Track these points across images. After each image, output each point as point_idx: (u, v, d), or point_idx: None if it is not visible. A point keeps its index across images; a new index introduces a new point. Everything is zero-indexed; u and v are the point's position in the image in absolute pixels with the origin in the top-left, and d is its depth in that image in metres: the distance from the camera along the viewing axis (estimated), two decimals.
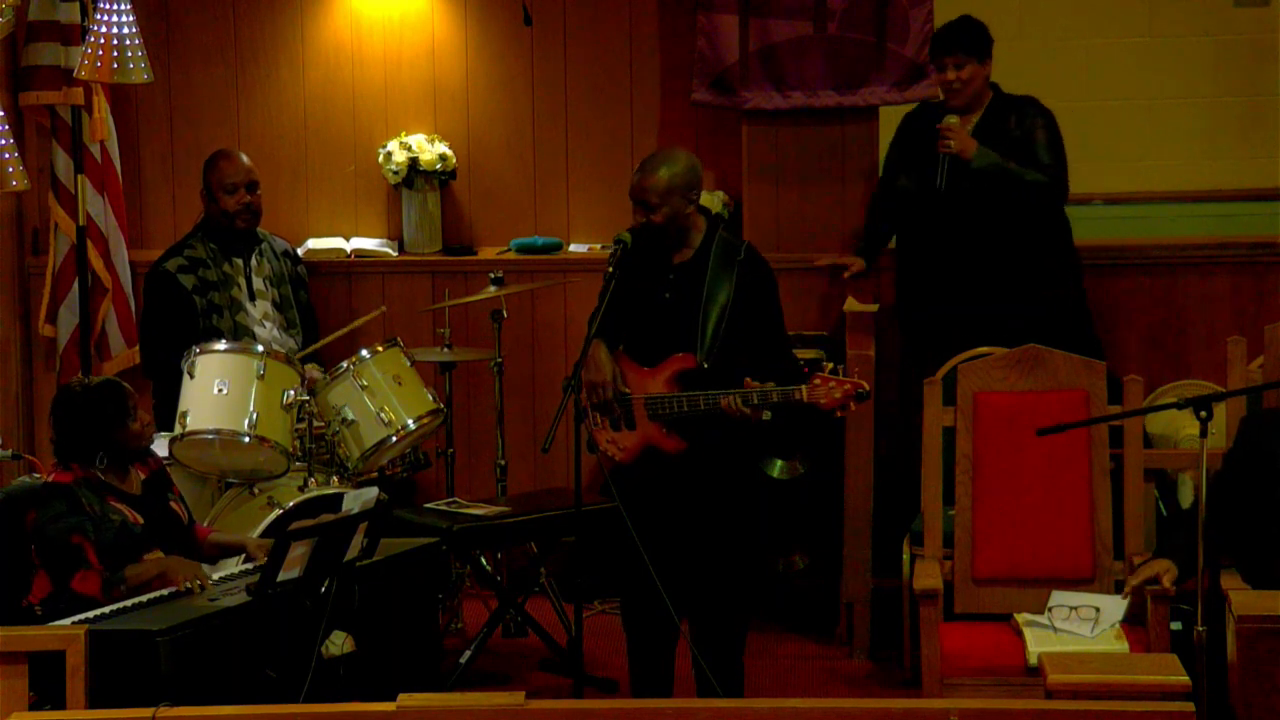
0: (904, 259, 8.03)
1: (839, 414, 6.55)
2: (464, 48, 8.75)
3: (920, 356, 7.84)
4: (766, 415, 6.58)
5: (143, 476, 6.44)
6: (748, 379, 6.53)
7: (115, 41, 7.43)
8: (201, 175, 8.05)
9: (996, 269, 7.77)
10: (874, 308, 8.16)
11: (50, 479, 6.30)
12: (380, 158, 8.67)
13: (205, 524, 6.93)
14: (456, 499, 7.81)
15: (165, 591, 6.09)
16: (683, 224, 6.70)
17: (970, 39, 7.80)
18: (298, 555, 5.96)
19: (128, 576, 6.14)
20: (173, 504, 6.50)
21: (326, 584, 6.08)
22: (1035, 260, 7.79)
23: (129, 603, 6.00)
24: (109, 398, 6.32)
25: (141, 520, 6.31)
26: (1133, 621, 6.58)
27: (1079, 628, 6.55)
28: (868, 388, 6.57)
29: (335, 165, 8.81)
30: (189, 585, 6.08)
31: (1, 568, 6.24)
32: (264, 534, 6.98)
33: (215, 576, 6.34)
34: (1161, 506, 7.45)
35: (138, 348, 8.44)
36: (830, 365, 6.76)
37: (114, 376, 6.51)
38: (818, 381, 6.53)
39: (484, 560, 8.04)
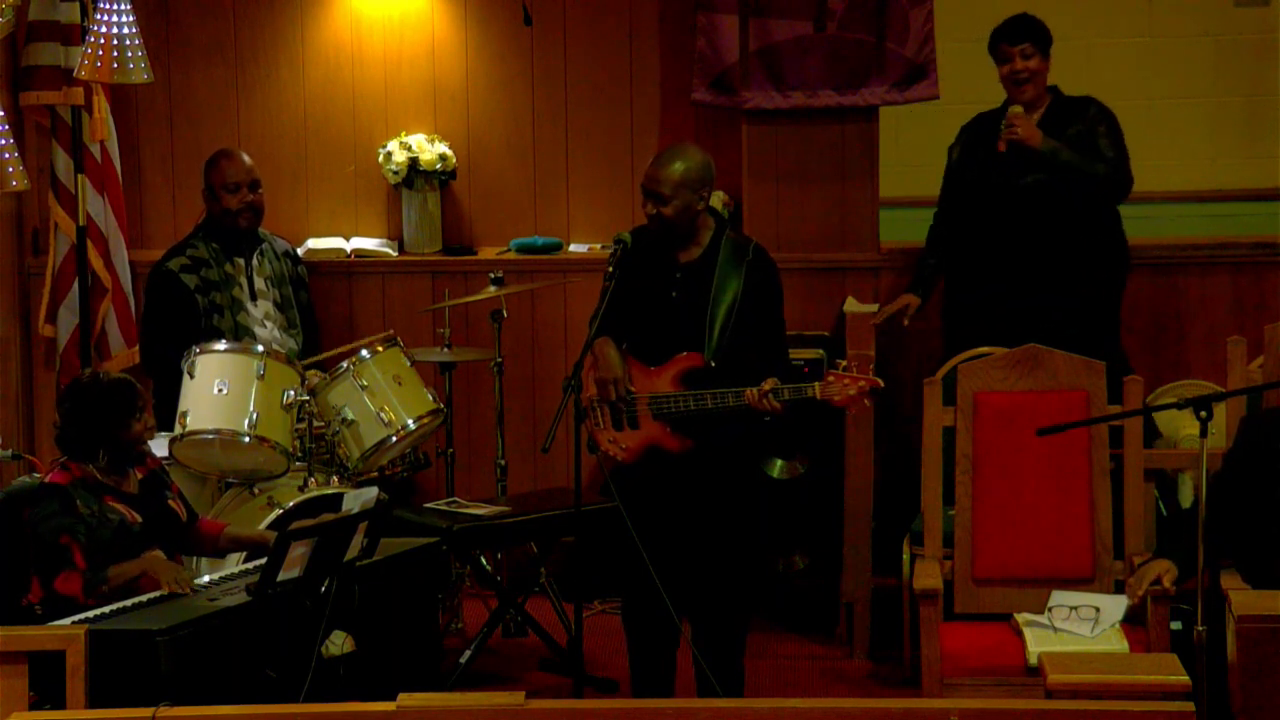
0: (957, 246, 8.00)
1: (851, 411, 6.53)
2: (464, 48, 8.75)
3: (964, 343, 7.73)
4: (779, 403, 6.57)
5: (140, 475, 6.43)
6: (774, 379, 6.53)
7: (115, 41, 7.42)
8: (203, 175, 8.05)
9: (1046, 261, 7.76)
10: (874, 308, 8.15)
11: (47, 479, 6.30)
12: (380, 158, 8.66)
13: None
14: (456, 499, 7.81)
15: (163, 591, 6.08)
16: (692, 220, 6.70)
17: (1038, 31, 7.83)
18: (298, 555, 5.96)
19: (110, 575, 6.14)
20: (171, 502, 6.49)
21: (326, 584, 6.08)
22: (1084, 256, 7.80)
23: (129, 602, 6.00)
24: (120, 394, 6.32)
25: (140, 519, 6.31)
26: (1133, 621, 6.58)
27: (1079, 628, 6.55)
28: (882, 384, 6.58)
29: (335, 165, 8.80)
30: (172, 588, 6.08)
31: (1, 567, 6.25)
32: None
33: (215, 576, 6.35)
34: (1161, 506, 7.45)
35: (138, 347, 8.43)
36: (843, 363, 6.75)
37: (128, 376, 6.51)
38: (831, 379, 6.53)
39: (484, 560, 8.04)
